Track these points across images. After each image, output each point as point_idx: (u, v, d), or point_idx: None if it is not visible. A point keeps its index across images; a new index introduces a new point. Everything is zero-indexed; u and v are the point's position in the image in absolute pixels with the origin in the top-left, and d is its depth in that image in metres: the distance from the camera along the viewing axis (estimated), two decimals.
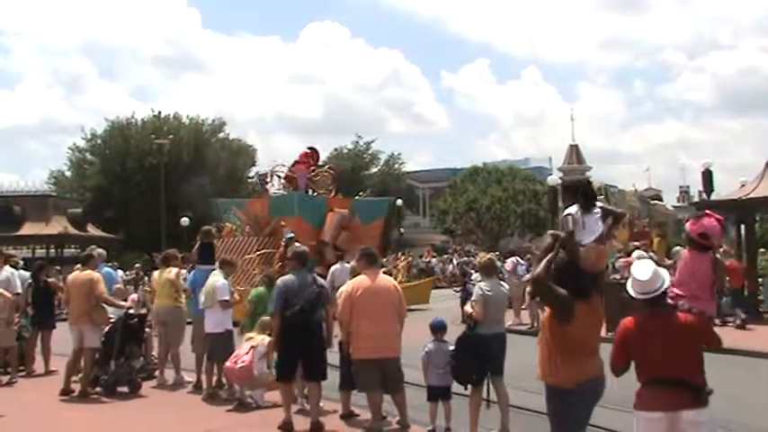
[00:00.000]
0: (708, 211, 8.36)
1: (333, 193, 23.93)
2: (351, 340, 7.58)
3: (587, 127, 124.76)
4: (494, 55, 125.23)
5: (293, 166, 24.26)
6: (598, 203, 5.48)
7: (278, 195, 23.75)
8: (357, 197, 26.49)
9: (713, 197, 22.88)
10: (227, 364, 8.94)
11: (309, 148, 25.01)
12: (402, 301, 7.73)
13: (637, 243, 19.25)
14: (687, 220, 8.91)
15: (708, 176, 24.59)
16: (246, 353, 8.76)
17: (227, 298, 9.47)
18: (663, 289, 4.57)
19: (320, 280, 8.22)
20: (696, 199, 41.23)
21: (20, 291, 11.17)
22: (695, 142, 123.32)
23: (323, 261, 18.43)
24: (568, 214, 5.37)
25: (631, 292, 4.62)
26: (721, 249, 12.20)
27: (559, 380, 4.89)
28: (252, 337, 8.96)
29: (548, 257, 4.83)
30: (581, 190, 5.34)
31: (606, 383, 4.92)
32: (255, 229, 22.09)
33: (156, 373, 10.68)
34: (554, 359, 4.91)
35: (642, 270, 4.62)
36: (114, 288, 11.06)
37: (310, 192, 23.50)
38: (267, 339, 8.69)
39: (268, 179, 24.95)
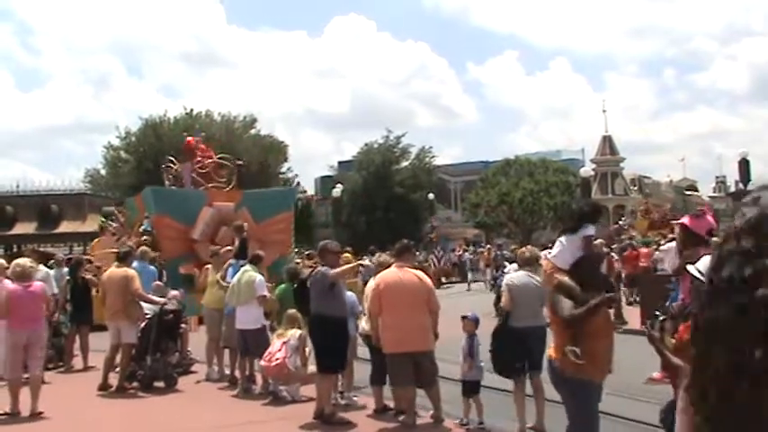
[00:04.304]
0: (704, 209, 8.54)
1: (229, 186, 20.99)
2: (379, 334, 7.62)
3: (618, 117, 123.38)
4: (521, 46, 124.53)
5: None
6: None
7: (144, 192, 20.42)
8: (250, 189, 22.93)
9: (750, 187, 22.51)
10: (263, 362, 9.00)
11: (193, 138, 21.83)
12: (432, 295, 7.70)
13: (672, 234, 19.00)
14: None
15: (744, 166, 24.22)
16: (279, 349, 8.81)
17: (265, 293, 9.53)
18: None
19: (327, 273, 7.95)
20: (733, 189, 40.59)
21: (56, 291, 11.33)
22: (730, 131, 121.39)
23: (198, 260, 16.09)
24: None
25: None
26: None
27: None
28: (282, 333, 9.01)
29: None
30: (570, 214, 5.29)
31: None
32: (126, 228, 20.13)
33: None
34: None
35: None
36: (153, 285, 11.22)
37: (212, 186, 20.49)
38: (298, 333, 8.74)
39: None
